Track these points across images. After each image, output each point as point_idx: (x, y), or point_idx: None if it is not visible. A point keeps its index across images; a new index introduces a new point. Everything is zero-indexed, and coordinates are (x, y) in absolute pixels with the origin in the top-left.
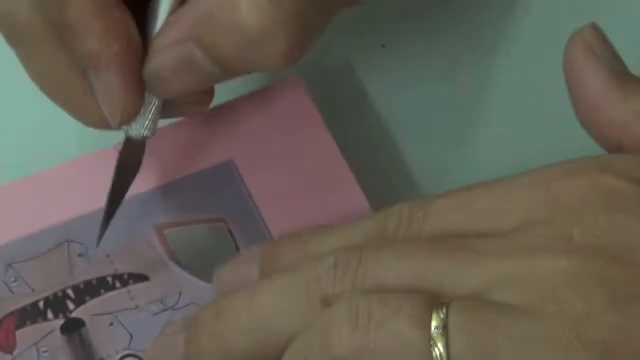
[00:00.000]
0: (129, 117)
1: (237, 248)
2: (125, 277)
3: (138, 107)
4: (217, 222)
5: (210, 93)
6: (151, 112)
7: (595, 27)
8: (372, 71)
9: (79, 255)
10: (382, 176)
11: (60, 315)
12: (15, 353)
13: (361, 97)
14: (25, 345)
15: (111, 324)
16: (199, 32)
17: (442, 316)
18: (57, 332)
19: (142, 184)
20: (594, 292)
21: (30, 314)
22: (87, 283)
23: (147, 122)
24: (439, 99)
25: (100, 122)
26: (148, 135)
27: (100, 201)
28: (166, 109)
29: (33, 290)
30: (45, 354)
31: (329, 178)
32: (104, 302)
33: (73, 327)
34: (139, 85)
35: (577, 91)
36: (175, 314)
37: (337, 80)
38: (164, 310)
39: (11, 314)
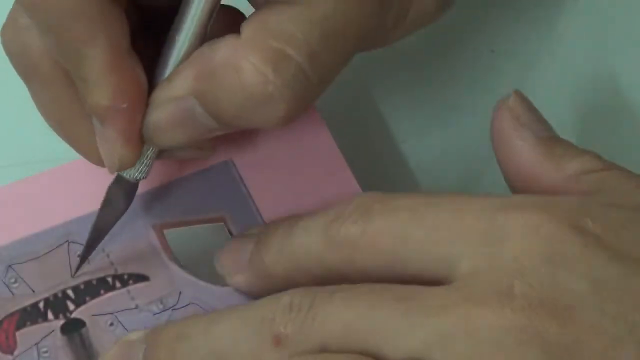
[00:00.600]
0: (125, 168)
1: None
2: (125, 277)
3: (135, 159)
4: (217, 222)
5: (210, 143)
6: (147, 158)
7: (519, 95)
8: (372, 69)
9: (79, 255)
10: (382, 175)
11: (61, 315)
12: (15, 353)
13: (361, 95)
14: (26, 345)
15: (111, 324)
16: (201, 88)
17: None
18: (58, 333)
19: (142, 184)
20: (528, 355)
21: (30, 315)
22: (87, 283)
23: (142, 167)
24: (439, 98)
25: (103, 162)
26: (141, 178)
27: (100, 202)
28: (164, 153)
29: (33, 291)
30: (46, 355)
31: (329, 177)
32: (104, 302)
33: (73, 328)
34: (138, 138)
35: (507, 161)
36: (175, 313)
37: (336, 79)
38: (164, 310)
39: (11, 314)
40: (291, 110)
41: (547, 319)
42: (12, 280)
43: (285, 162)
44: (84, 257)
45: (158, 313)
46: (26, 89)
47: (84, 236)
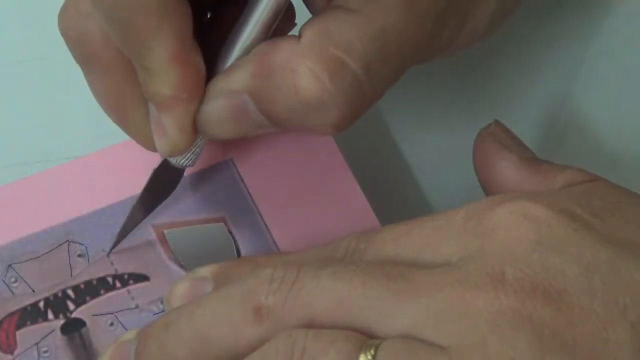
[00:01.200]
0: (176, 155)
1: (237, 248)
2: (126, 277)
3: (187, 147)
4: (217, 222)
5: None
6: (197, 147)
7: (499, 123)
8: None
9: (79, 255)
10: (381, 174)
11: (61, 315)
12: (15, 353)
13: None
14: (26, 345)
15: (111, 324)
16: (256, 86)
17: (369, 357)
18: (58, 333)
19: (142, 185)
20: (521, 337)
21: (30, 314)
22: (88, 283)
23: (190, 155)
24: (439, 97)
25: (154, 147)
26: (189, 165)
27: (101, 202)
28: None
29: (33, 290)
30: (46, 354)
31: (329, 177)
32: (105, 302)
33: (73, 328)
34: (193, 127)
35: (491, 182)
36: None
37: None
38: (164, 310)
39: (12, 314)
40: (343, 119)
41: (539, 303)
42: (12, 279)
43: (285, 162)
44: (120, 237)
45: (158, 313)
46: (26, 90)
47: (84, 236)
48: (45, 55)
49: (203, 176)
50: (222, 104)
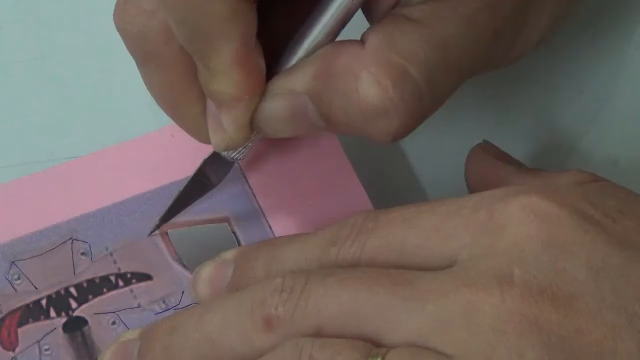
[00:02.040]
0: (234, 148)
1: None
2: (129, 276)
3: (243, 143)
4: (221, 221)
5: None
6: (251, 142)
7: (489, 142)
8: None
9: (82, 254)
10: (384, 175)
11: (63, 313)
12: (17, 351)
13: None
14: (27, 343)
15: (114, 322)
16: (317, 88)
17: None
18: (60, 330)
19: (146, 183)
20: (528, 346)
21: (32, 312)
22: (91, 282)
23: (243, 150)
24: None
25: (208, 140)
26: (240, 159)
27: (105, 200)
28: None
29: (36, 288)
30: (48, 352)
31: (332, 177)
32: (107, 300)
33: (75, 326)
34: (250, 125)
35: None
36: None
37: None
38: (167, 309)
39: (14, 311)
40: (402, 127)
41: (547, 308)
42: (15, 276)
43: (290, 163)
44: (161, 222)
45: (160, 312)
46: (25, 90)
47: (87, 234)
48: (44, 55)
49: None
50: (281, 104)
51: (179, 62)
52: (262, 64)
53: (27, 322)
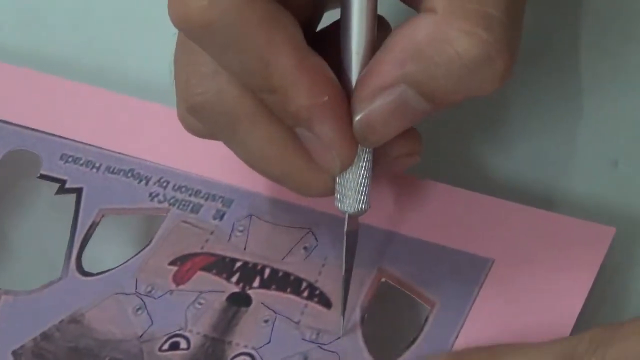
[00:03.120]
0: (349, 162)
1: None
2: (317, 292)
3: (354, 155)
4: (426, 302)
5: (417, 140)
6: (363, 185)
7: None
8: None
9: (305, 248)
10: None
11: (241, 284)
12: (179, 287)
13: None
14: (193, 287)
15: (266, 321)
16: (412, 71)
17: None
18: (224, 296)
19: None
20: None
21: (221, 266)
22: (286, 275)
23: (360, 196)
24: None
25: (322, 189)
26: (364, 209)
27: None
28: (379, 167)
29: (245, 248)
30: (198, 306)
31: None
32: (281, 299)
33: (239, 302)
34: (351, 133)
35: None
36: (316, 352)
37: None
38: (312, 342)
39: (210, 255)
40: (507, 68)
41: None
42: (241, 228)
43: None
44: (345, 295)
45: (306, 341)
46: None
47: (323, 233)
48: None
49: (456, 255)
50: (381, 105)
51: (262, 112)
52: (323, 63)
53: (209, 271)
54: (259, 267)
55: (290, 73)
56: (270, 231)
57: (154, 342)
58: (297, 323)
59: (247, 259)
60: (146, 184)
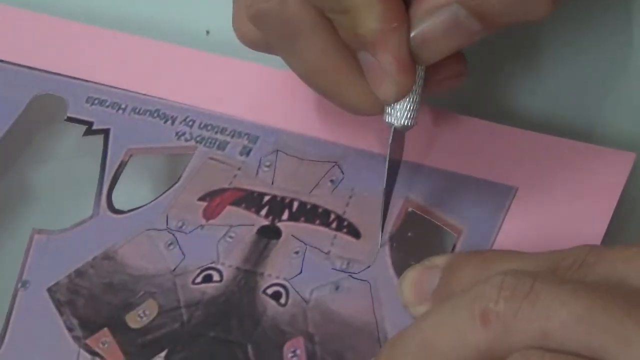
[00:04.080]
0: (403, 95)
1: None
2: (345, 223)
3: (411, 83)
4: (453, 230)
5: (464, 63)
6: (414, 102)
7: None
8: None
9: (332, 181)
10: None
11: (271, 218)
12: (210, 222)
13: None
14: (223, 221)
15: (296, 252)
16: None
17: None
18: (254, 229)
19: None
20: None
21: (250, 200)
22: (314, 207)
23: (409, 113)
24: None
25: (371, 107)
26: (411, 124)
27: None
28: (428, 87)
29: (272, 183)
30: (229, 240)
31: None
32: (310, 231)
33: (269, 234)
34: (411, 60)
35: None
36: (347, 281)
37: None
38: (343, 271)
39: (238, 190)
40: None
41: None
42: (267, 163)
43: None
44: (383, 222)
45: (336, 270)
46: None
47: (349, 169)
48: None
49: (480, 183)
50: (434, 22)
51: (322, 25)
52: None
53: (238, 205)
54: (287, 200)
55: None
56: (296, 166)
57: (187, 276)
58: (327, 253)
59: (276, 192)
60: (172, 123)
